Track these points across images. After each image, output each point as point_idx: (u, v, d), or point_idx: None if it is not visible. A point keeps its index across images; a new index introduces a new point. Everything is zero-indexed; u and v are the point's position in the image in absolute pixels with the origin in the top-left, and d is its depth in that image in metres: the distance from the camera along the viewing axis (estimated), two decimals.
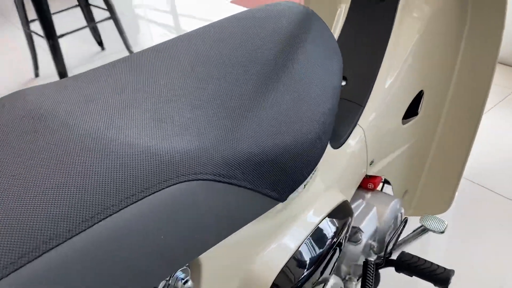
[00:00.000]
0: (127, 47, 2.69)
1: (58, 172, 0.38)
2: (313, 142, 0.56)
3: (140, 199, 0.38)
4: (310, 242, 0.67)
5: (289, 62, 0.60)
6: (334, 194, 0.78)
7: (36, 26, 2.93)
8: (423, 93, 1.05)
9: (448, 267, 1.39)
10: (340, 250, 0.76)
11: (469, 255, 1.43)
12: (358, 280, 0.94)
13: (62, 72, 2.31)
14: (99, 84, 0.51)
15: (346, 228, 0.74)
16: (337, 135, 0.89)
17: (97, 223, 0.36)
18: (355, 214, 0.94)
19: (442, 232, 1.02)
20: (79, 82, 0.52)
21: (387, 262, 0.96)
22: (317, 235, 0.69)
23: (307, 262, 0.66)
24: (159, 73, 0.52)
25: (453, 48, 1.09)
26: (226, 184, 0.45)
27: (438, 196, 1.19)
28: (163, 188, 0.40)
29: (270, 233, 0.64)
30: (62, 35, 2.29)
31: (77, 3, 2.64)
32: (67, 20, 3.14)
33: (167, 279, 0.48)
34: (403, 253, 0.96)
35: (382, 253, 0.97)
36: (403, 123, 1.02)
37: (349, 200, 0.90)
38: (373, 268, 0.84)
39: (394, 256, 1.02)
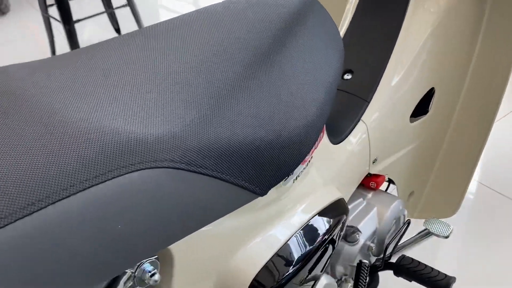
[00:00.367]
0: None
1: (8, 151, 0.35)
2: (300, 135, 0.52)
3: (96, 184, 0.36)
4: (299, 238, 0.64)
5: (281, 50, 0.56)
6: (329, 191, 0.74)
7: (54, 11, 2.95)
8: (434, 91, 1.01)
9: (459, 274, 1.35)
10: (333, 248, 0.72)
11: (482, 262, 1.38)
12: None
13: None
14: (74, 65, 0.49)
15: (339, 226, 0.71)
16: (338, 130, 0.85)
17: (45, 207, 0.33)
18: (354, 214, 0.90)
19: (447, 237, 0.98)
20: (61, 61, 0.50)
21: (386, 265, 0.92)
22: (307, 231, 0.66)
23: (294, 259, 0.63)
24: (135, 56, 0.50)
25: (468, 46, 1.03)
26: (197, 173, 0.42)
27: (446, 199, 1.14)
28: (123, 174, 0.37)
29: (256, 227, 0.61)
30: (78, 20, 2.29)
31: None
32: (86, 5, 3.14)
33: (133, 271, 0.45)
34: (403, 256, 0.92)
35: (381, 256, 0.93)
36: (411, 121, 0.98)
37: (347, 198, 0.87)
38: (367, 270, 0.80)
39: (394, 260, 0.98)
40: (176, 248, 0.50)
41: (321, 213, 0.69)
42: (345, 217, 0.73)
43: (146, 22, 3.08)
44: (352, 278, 0.89)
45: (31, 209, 0.33)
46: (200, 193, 0.43)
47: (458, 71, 1.04)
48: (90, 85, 0.44)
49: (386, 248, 0.91)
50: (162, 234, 0.40)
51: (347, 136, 0.85)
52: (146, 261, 0.46)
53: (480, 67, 1.05)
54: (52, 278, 0.34)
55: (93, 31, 2.97)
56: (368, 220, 0.90)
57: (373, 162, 0.91)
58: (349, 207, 0.91)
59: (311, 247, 0.65)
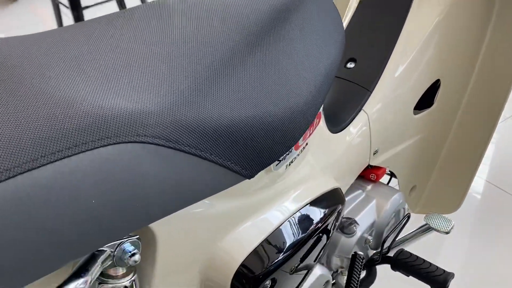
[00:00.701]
0: None
1: None
2: (292, 119, 0.51)
3: (68, 156, 0.34)
4: (290, 225, 0.63)
5: (276, 30, 0.54)
6: (325, 180, 0.73)
7: None
8: (439, 84, 0.98)
9: (465, 272, 1.33)
10: (328, 238, 0.71)
11: (489, 260, 1.36)
12: None
13: None
14: (60, 39, 0.47)
15: (334, 216, 0.69)
16: (338, 119, 0.83)
17: (13, 177, 0.32)
18: (352, 205, 0.88)
19: (447, 233, 0.95)
20: (48, 36, 0.49)
21: (383, 259, 0.90)
22: (299, 219, 0.64)
23: (284, 245, 0.61)
24: (119, 34, 0.48)
25: (476, 38, 1.01)
26: (178, 151, 0.40)
27: (449, 195, 1.12)
28: (97, 147, 0.36)
29: (246, 212, 0.59)
30: (87, 7, 2.28)
31: None
32: None
33: (112, 250, 0.44)
34: (401, 250, 0.90)
35: (379, 249, 0.91)
36: (415, 114, 0.96)
37: (345, 189, 0.85)
38: (362, 262, 0.78)
39: (393, 254, 0.96)
40: (160, 229, 0.49)
41: (315, 201, 0.67)
42: (340, 206, 0.71)
43: None
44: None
45: None
46: (182, 171, 0.41)
47: (465, 64, 1.01)
48: (71, 59, 0.43)
49: (384, 241, 0.89)
50: (139, 212, 0.39)
51: (347, 126, 0.83)
52: (127, 240, 0.45)
53: (488, 61, 1.02)
54: (20, 253, 0.33)
55: None
56: (366, 212, 0.88)
57: (374, 154, 0.89)
58: (347, 198, 0.89)
59: (303, 234, 0.63)
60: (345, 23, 0.95)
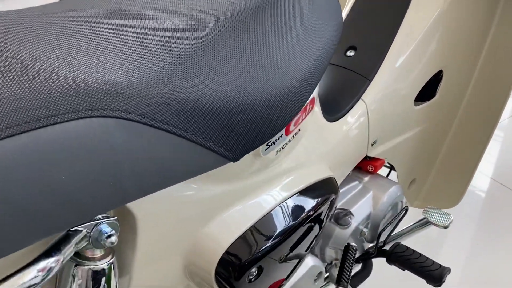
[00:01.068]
0: None
1: None
2: (279, 102, 0.49)
3: (36, 128, 0.33)
4: (280, 212, 0.61)
5: (268, 11, 0.52)
6: (318, 168, 0.71)
7: None
8: (442, 74, 0.96)
9: (468, 270, 1.31)
10: (320, 228, 0.69)
11: (492, 258, 1.34)
12: None
13: None
14: (43, 11, 0.46)
15: (326, 205, 0.68)
16: (335, 107, 0.81)
17: None
18: (348, 196, 0.86)
19: (446, 227, 0.93)
20: (34, 10, 0.47)
21: (379, 252, 0.88)
22: (290, 206, 0.62)
23: (273, 233, 0.60)
24: (104, 10, 0.46)
25: (481, 29, 0.98)
26: (155, 128, 0.39)
27: (449, 189, 1.09)
28: (68, 121, 0.34)
29: (234, 196, 0.58)
30: None
31: None
32: None
33: (89, 231, 0.43)
34: (397, 244, 0.88)
35: (376, 242, 0.89)
36: (416, 105, 0.93)
37: (341, 180, 0.83)
38: (354, 253, 0.76)
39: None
40: (140, 211, 0.47)
41: (307, 189, 0.65)
42: (334, 196, 0.69)
43: None
44: None
45: None
46: (158, 150, 0.40)
47: (469, 55, 0.99)
48: (46, 30, 0.41)
49: (380, 234, 0.87)
50: (113, 190, 0.37)
51: (344, 115, 0.81)
52: (104, 221, 0.43)
53: (493, 53, 1.00)
54: None
55: None
56: (362, 204, 0.86)
57: (372, 145, 0.87)
58: (343, 189, 0.87)
59: (293, 222, 0.61)
60: (346, 10, 0.93)
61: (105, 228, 0.43)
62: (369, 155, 0.88)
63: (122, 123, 0.37)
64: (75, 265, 0.45)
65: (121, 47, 0.41)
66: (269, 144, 0.56)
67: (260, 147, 0.55)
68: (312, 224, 0.66)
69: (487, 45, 0.99)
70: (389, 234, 0.89)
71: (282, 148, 0.61)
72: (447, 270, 0.82)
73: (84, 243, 0.43)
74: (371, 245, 0.92)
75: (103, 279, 0.46)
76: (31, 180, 0.33)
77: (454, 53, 0.95)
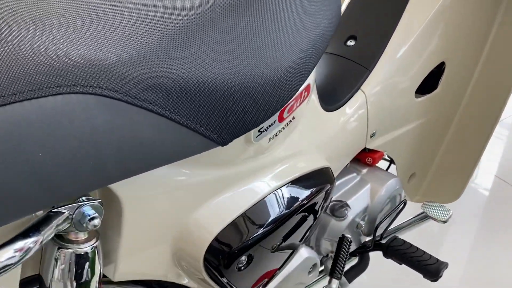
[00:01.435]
0: None
1: None
2: (273, 84, 0.47)
3: (10, 103, 0.32)
4: (272, 200, 0.60)
5: None
6: (314, 158, 0.69)
7: None
8: (444, 66, 0.94)
9: (470, 267, 1.30)
10: (315, 218, 0.68)
11: (495, 255, 1.33)
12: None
13: None
14: None
15: (321, 195, 0.66)
16: (333, 96, 0.80)
17: None
18: (345, 188, 0.85)
19: (445, 222, 0.92)
20: None
21: (376, 246, 0.87)
22: (283, 195, 0.61)
23: (264, 221, 0.58)
24: None
25: (486, 21, 0.96)
26: (138, 107, 0.38)
27: (450, 183, 1.08)
28: (45, 96, 0.33)
29: (225, 182, 0.56)
30: None
31: None
32: None
33: (71, 213, 0.42)
34: (394, 237, 0.87)
35: (373, 235, 0.88)
36: (417, 97, 0.92)
37: (338, 171, 0.81)
38: (349, 245, 0.75)
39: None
40: (126, 194, 0.46)
41: (301, 178, 0.64)
42: (329, 186, 0.68)
43: None
44: None
45: None
46: (142, 130, 0.38)
47: (473, 47, 0.97)
48: (25, 8, 0.40)
49: (377, 227, 0.86)
50: (93, 170, 0.36)
51: (343, 105, 0.80)
52: (87, 204, 0.42)
53: (497, 46, 0.98)
54: None
55: None
56: (359, 196, 0.85)
57: (371, 137, 0.86)
58: (341, 180, 0.86)
59: (285, 211, 0.60)
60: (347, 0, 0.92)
61: (88, 210, 0.42)
62: (368, 147, 0.87)
63: (103, 101, 0.36)
64: (58, 248, 0.44)
65: (104, 25, 0.40)
66: (261, 130, 0.55)
67: (252, 132, 0.54)
68: (306, 214, 0.65)
69: (491, 37, 0.98)
70: (387, 228, 0.88)
71: (276, 135, 0.59)
72: (444, 265, 0.80)
73: (66, 225, 0.42)
74: (368, 238, 0.91)
75: (87, 264, 0.45)
76: (5, 156, 0.32)
77: (458, 45, 0.93)
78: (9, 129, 0.32)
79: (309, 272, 0.78)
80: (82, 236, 0.45)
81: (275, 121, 0.57)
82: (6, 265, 0.36)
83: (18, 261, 0.37)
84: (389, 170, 0.97)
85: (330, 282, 0.77)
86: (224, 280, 0.57)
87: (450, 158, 1.06)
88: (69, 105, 0.34)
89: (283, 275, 0.72)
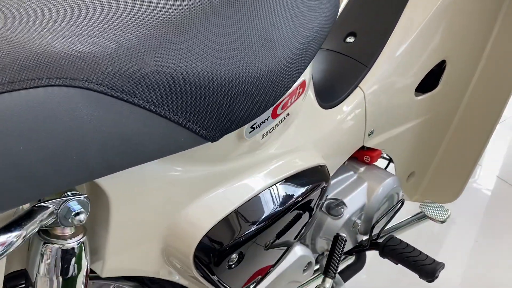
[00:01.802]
0: None
1: None
2: (265, 79, 0.47)
3: None
4: (266, 197, 0.59)
5: None
6: (310, 155, 0.69)
7: None
8: (445, 65, 0.93)
9: (471, 268, 1.29)
10: (310, 216, 0.67)
11: (496, 256, 1.32)
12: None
13: None
14: None
15: (316, 193, 0.65)
16: (331, 93, 0.79)
17: None
18: (342, 187, 0.84)
19: (443, 222, 0.91)
20: None
21: (372, 245, 0.86)
22: (277, 191, 0.60)
23: (257, 218, 0.58)
24: None
25: (488, 19, 0.94)
26: (123, 101, 0.37)
27: (449, 183, 1.06)
28: (26, 88, 0.32)
29: (217, 179, 0.56)
30: None
31: None
32: None
33: (57, 207, 0.41)
34: (391, 236, 0.86)
35: (369, 234, 0.87)
36: (416, 95, 0.90)
37: (335, 169, 0.81)
38: (343, 243, 0.74)
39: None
40: (113, 190, 0.46)
41: (296, 176, 0.63)
42: (324, 184, 0.67)
43: None
44: None
45: None
46: (128, 125, 0.38)
47: (475, 45, 0.96)
48: (18, 1, 0.40)
49: (374, 226, 0.85)
50: (76, 165, 0.36)
51: (341, 102, 0.79)
52: (73, 199, 0.42)
53: (499, 43, 0.96)
54: None
55: None
56: (356, 195, 0.84)
57: (369, 135, 0.85)
58: (337, 179, 0.85)
59: (279, 208, 0.59)
60: None
61: (74, 205, 0.42)
62: (366, 145, 0.86)
63: (87, 94, 0.35)
64: (44, 243, 0.43)
65: (90, 18, 0.39)
66: (254, 126, 0.54)
67: (244, 129, 0.53)
68: (300, 211, 0.64)
69: (493, 36, 0.96)
70: (384, 227, 0.87)
71: (270, 132, 0.59)
72: (441, 266, 0.79)
73: (51, 220, 0.41)
74: (365, 237, 0.90)
75: (73, 259, 0.45)
76: None
77: (459, 43, 0.92)
78: None
79: (304, 271, 0.77)
80: (68, 231, 0.44)
81: (268, 117, 0.56)
82: None
83: (0, 255, 0.36)
84: (388, 169, 0.97)
85: (324, 281, 0.76)
86: (215, 278, 0.56)
87: (450, 158, 1.05)
88: (51, 98, 0.33)
89: (277, 273, 0.71)
